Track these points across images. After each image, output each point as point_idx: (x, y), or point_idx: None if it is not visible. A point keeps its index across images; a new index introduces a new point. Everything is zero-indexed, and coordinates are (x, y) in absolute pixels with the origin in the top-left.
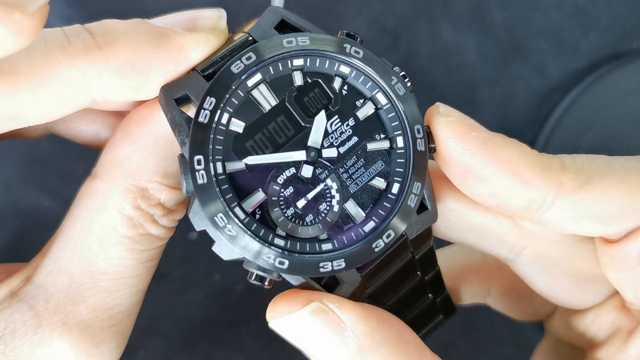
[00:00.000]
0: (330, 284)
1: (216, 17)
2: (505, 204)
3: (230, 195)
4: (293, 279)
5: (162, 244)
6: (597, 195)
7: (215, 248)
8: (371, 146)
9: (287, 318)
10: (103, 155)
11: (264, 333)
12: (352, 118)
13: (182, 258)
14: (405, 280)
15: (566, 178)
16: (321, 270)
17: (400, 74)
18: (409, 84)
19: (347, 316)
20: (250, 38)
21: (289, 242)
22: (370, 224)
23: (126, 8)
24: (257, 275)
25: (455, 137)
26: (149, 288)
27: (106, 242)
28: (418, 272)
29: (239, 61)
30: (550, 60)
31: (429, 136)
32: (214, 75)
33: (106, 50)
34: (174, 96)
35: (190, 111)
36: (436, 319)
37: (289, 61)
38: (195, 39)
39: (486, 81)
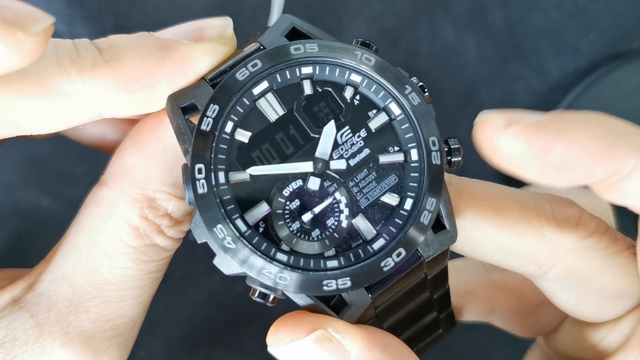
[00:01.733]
0: (338, 305)
1: (222, 25)
2: (584, 182)
3: (232, 206)
4: (298, 298)
5: (169, 255)
6: None
7: (216, 261)
8: (384, 159)
9: (290, 346)
10: (111, 163)
11: (264, 333)
12: (364, 129)
13: (182, 258)
14: (414, 298)
15: None
16: (324, 288)
17: (418, 85)
18: (426, 94)
19: (352, 345)
20: (261, 47)
21: (292, 257)
22: (380, 242)
23: (126, 8)
24: (260, 292)
25: (527, 142)
26: None
27: (111, 252)
28: (428, 291)
29: (244, 68)
30: (550, 60)
31: (452, 151)
32: None
33: (113, 64)
34: (180, 104)
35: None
36: (436, 332)
37: (297, 69)
38: (202, 48)
39: (486, 81)
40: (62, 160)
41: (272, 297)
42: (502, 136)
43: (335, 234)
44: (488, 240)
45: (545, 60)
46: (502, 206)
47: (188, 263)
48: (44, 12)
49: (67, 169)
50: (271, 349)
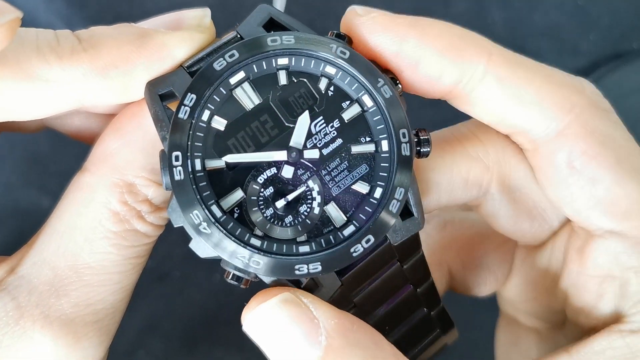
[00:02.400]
0: (309, 288)
1: (200, 15)
2: (439, 83)
3: (208, 192)
4: (268, 280)
5: (150, 241)
6: (523, 76)
7: (192, 245)
8: (356, 149)
9: (257, 309)
10: (93, 150)
11: None
12: (337, 120)
13: (182, 258)
14: (394, 291)
15: (495, 51)
16: (297, 272)
17: (390, 77)
18: (399, 88)
19: (321, 312)
20: (238, 36)
21: (265, 242)
22: (350, 228)
23: (126, 8)
24: (233, 275)
25: (384, 28)
26: (149, 287)
27: (91, 236)
28: (410, 285)
29: (221, 58)
30: (550, 60)
31: (421, 142)
32: None
33: (91, 52)
34: (158, 91)
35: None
36: (433, 333)
37: (273, 60)
38: (179, 36)
39: None
40: (62, 160)
41: (244, 279)
42: (362, 20)
43: (307, 221)
44: (433, 187)
45: (545, 60)
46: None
47: (188, 263)
48: (12, 6)
49: (67, 169)
50: (244, 323)
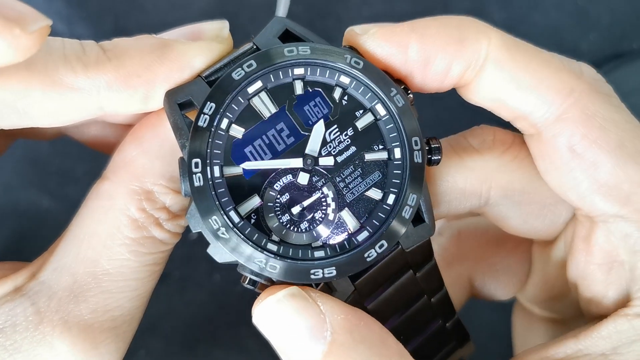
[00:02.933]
0: (323, 292)
1: (218, 27)
2: (448, 77)
3: (227, 198)
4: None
5: (167, 249)
6: (521, 60)
7: (210, 250)
8: (369, 156)
9: (266, 302)
10: (113, 158)
11: None
12: (351, 128)
13: (183, 258)
14: (408, 299)
15: (494, 35)
16: (312, 277)
17: (402, 87)
18: (410, 97)
19: (328, 307)
20: (255, 47)
21: (282, 247)
22: (364, 234)
23: (126, 8)
24: (250, 279)
25: (385, 41)
26: None
27: (110, 243)
28: (424, 294)
29: (239, 68)
30: None
31: (432, 150)
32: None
33: (115, 62)
34: (177, 100)
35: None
36: (449, 345)
37: (289, 70)
38: (198, 46)
39: None
40: (62, 160)
41: (260, 284)
42: (363, 39)
43: (322, 226)
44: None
45: None
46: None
47: (188, 263)
48: (42, 14)
49: (67, 169)
50: (254, 316)
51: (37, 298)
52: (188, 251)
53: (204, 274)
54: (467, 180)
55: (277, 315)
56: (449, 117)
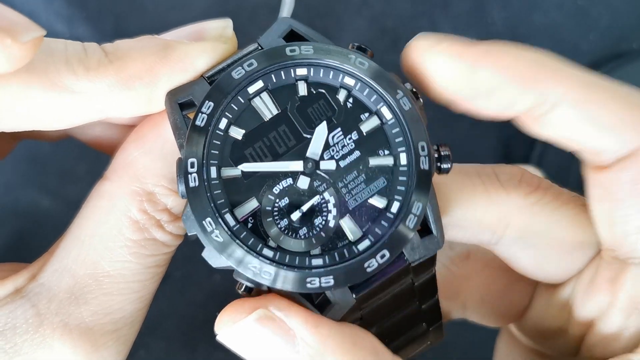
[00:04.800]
0: (323, 304)
1: (221, 26)
2: (510, 110)
3: (222, 200)
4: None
5: (169, 251)
6: (599, 99)
7: (205, 254)
8: (374, 162)
9: (233, 328)
10: (114, 159)
11: None
12: (355, 132)
13: (183, 258)
14: (401, 306)
15: (570, 75)
16: (308, 285)
17: (412, 90)
18: (420, 101)
19: (295, 323)
20: (259, 47)
21: (278, 253)
22: (365, 243)
23: (126, 8)
24: (246, 286)
25: (458, 57)
26: None
27: (111, 245)
28: (416, 301)
29: (240, 67)
30: None
31: (442, 157)
32: None
33: (117, 64)
34: (177, 100)
35: None
36: (424, 344)
37: (292, 70)
38: (201, 47)
39: None
40: (62, 159)
41: (256, 291)
42: (432, 52)
43: (322, 233)
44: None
45: None
46: (446, 178)
47: (189, 263)
48: (36, 24)
49: (67, 169)
50: (219, 336)
51: (37, 300)
52: (188, 251)
53: (204, 274)
54: (486, 212)
55: (247, 340)
56: (449, 117)
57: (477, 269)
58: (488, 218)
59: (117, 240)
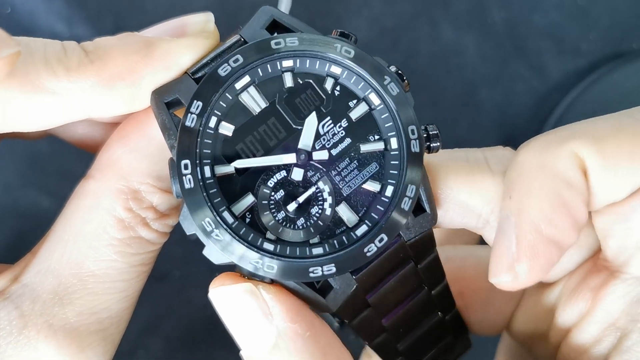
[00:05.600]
0: (324, 288)
1: (203, 20)
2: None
3: (219, 199)
4: (285, 282)
5: (155, 249)
6: (613, 152)
7: (205, 252)
8: (365, 148)
9: (223, 288)
10: (98, 157)
11: None
12: (345, 119)
13: (182, 258)
14: (409, 291)
15: (583, 145)
16: (311, 275)
17: (396, 73)
18: (405, 83)
19: (275, 309)
20: (242, 39)
21: (278, 246)
22: (363, 228)
23: (126, 8)
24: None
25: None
26: (149, 287)
27: (96, 244)
28: (424, 285)
29: (226, 64)
30: (550, 60)
31: (430, 136)
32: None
33: (97, 64)
34: (164, 100)
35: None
36: (446, 338)
37: (278, 62)
38: (183, 43)
39: (486, 81)
40: (61, 160)
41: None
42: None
43: (319, 222)
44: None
45: (545, 60)
46: (434, 159)
47: (188, 263)
48: (12, 38)
49: (66, 169)
50: (210, 292)
51: (20, 301)
52: (188, 251)
53: (203, 274)
54: (470, 196)
55: (231, 304)
56: (449, 116)
57: (458, 275)
58: (472, 202)
59: (101, 239)
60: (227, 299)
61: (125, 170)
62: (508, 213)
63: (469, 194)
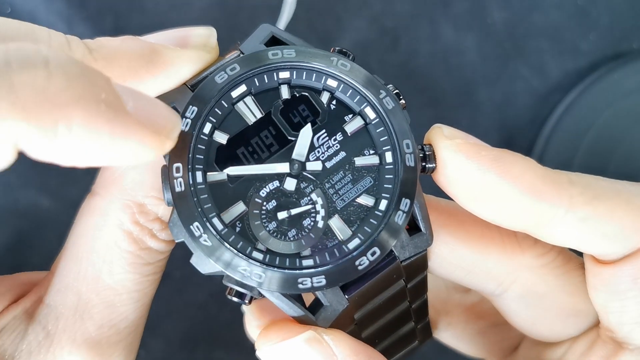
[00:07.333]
0: (315, 307)
1: (207, 34)
2: (516, 220)
3: (209, 205)
4: (274, 297)
5: (164, 257)
6: (604, 212)
7: (193, 260)
8: (360, 162)
9: (281, 345)
10: (101, 173)
11: None
12: (340, 133)
13: (183, 258)
14: (393, 307)
15: (575, 192)
16: (300, 286)
17: (394, 92)
18: (402, 102)
19: (339, 350)
20: (241, 54)
21: (268, 256)
22: (355, 242)
23: (126, 8)
24: (236, 291)
25: (467, 158)
26: None
27: (109, 258)
28: (408, 301)
29: (222, 72)
30: (550, 60)
31: (427, 157)
32: None
33: (101, 63)
34: None
35: None
36: (413, 343)
37: (274, 73)
38: (186, 55)
39: (486, 81)
40: None
41: (248, 296)
42: (446, 143)
43: (311, 234)
44: (452, 256)
45: (545, 60)
46: (466, 221)
47: (188, 263)
48: (177, 116)
49: (66, 169)
50: (260, 351)
51: (46, 322)
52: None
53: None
54: (497, 264)
55: (293, 358)
56: (449, 116)
57: (472, 300)
58: (497, 270)
59: (114, 253)
60: (284, 354)
61: (129, 185)
62: None
63: (496, 262)
